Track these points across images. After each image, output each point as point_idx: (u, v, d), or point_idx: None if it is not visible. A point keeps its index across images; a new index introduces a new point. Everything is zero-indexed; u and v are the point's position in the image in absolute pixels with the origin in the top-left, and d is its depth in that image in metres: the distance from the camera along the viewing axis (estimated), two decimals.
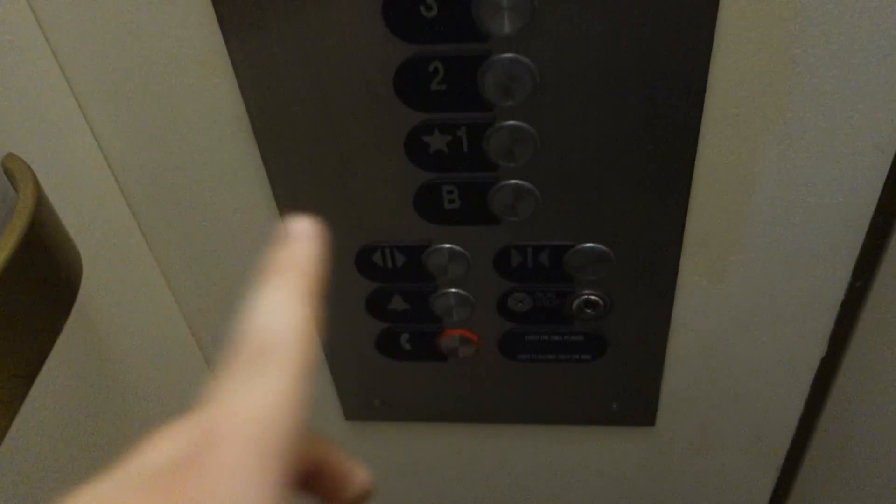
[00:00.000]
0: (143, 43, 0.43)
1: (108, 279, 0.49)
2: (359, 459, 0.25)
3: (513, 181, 0.47)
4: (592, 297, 0.53)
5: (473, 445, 0.69)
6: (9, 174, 0.38)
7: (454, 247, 0.51)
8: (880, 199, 0.46)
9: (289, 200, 0.50)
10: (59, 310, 0.37)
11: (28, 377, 0.33)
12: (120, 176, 0.50)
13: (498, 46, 0.40)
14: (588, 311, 0.54)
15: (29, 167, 0.38)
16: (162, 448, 0.20)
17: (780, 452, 0.66)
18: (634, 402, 0.62)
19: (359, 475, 0.25)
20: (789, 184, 0.46)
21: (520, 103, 0.42)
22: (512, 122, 0.44)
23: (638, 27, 0.39)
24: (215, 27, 0.42)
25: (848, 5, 0.38)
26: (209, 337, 0.61)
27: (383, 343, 0.59)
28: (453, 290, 0.54)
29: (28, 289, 0.34)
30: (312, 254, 0.24)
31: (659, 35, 0.39)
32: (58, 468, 0.43)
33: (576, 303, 0.54)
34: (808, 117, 0.42)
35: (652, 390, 0.61)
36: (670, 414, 0.63)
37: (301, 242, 0.25)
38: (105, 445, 0.50)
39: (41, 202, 0.37)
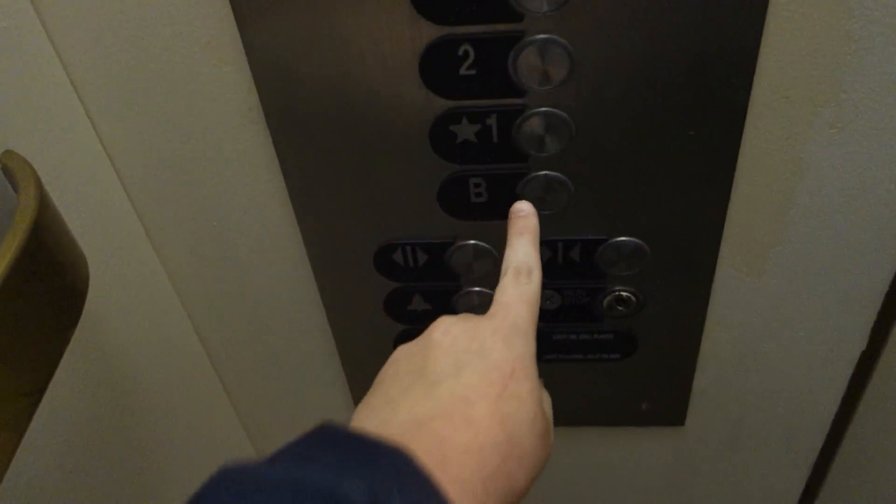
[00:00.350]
0: (147, 30, 0.40)
1: (113, 284, 0.46)
2: None
3: (544, 172, 0.44)
4: (624, 294, 0.51)
5: None
6: (8, 173, 0.35)
7: (480, 243, 0.48)
8: None
9: (303, 197, 0.47)
10: (67, 319, 0.34)
11: (35, 395, 0.30)
12: (123, 172, 0.47)
13: (532, 27, 0.38)
14: (619, 308, 0.52)
15: (30, 165, 0.35)
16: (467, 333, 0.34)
17: (813, 451, 0.64)
18: (664, 402, 0.59)
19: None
20: (838, 170, 0.43)
21: (555, 88, 0.40)
22: (545, 109, 0.41)
23: (683, 4, 0.36)
24: (227, 10, 0.39)
25: None
26: (217, 340, 0.58)
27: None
28: (477, 289, 0.51)
29: (33, 298, 0.31)
30: (536, 223, 0.38)
31: (706, 13, 0.37)
32: (67, 487, 0.40)
33: (607, 300, 0.51)
34: (862, 99, 0.40)
35: (683, 389, 0.58)
36: (700, 413, 0.61)
37: (530, 216, 0.38)
38: (115, 459, 0.47)
39: (44, 203, 0.34)
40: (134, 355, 0.49)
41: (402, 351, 0.37)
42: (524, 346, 0.34)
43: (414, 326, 0.54)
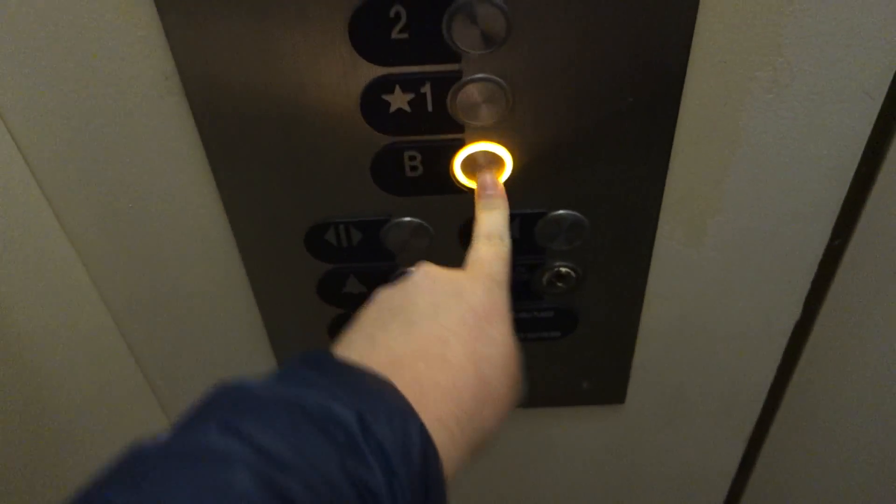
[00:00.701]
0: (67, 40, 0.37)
1: (23, 272, 0.43)
2: None
3: (482, 142, 0.42)
4: (563, 269, 0.50)
5: None
6: None
7: (416, 220, 0.46)
8: (865, 150, 0.44)
9: (229, 175, 0.44)
10: None
11: None
12: (30, 154, 0.43)
13: None
14: (559, 284, 0.51)
15: None
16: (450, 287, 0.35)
17: (750, 423, 0.64)
18: (605, 380, 0.59)
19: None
20: (775, 136, 0.43)
21: (490, 53, 0.38)
22: (482, 76, 0.39)
23: None
24: None
25: None
26: (138, 329, 0.55)
27: (337, 331, 0.53)
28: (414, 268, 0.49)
29: None
30: (504, 198, 0.41)
31: None
32: None
33: (546, 276, 0.50)
34: (798, 62, 0.39)
35: (623, 366, 0.58)
36: (640, 390, 0.60)
37: (497, 192, 0.41)
38: (27, 452, 0.43)
39: None
40: (46, 346, 0.45)
41: (383, 291, 0.37)
42: (500, 295, 0.36)
43: (349, 311, 0.52)
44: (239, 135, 0.42)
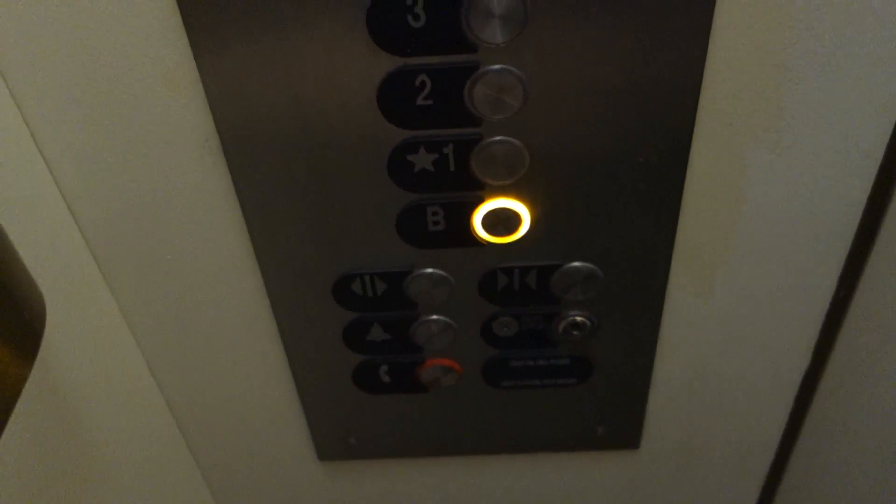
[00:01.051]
0: (101, 61, 0.40)
1: (67, 322, 0.45)
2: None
3: (500, 200, 0.45)
4: (579, 319, 0.52)
5: (454, 479, 0.66)
6: None
7: (437, 271, 0.49)
8: (867, 205, 0.46)
9: (261, 228, 0.47)
10: (23, 358, 0.33)
11: None
12: (77, 209, 0.46)
13: (487, 58, 0.39)
14: (574, 332, 0.53)
15: None
16: None
17: (763, 471, 0.65)
18: (619, 426, 0.60)
19: None
20: (778, 194, 0.45)
21: (510, 117, 0.41)
22: (501, 138, 0.42)
23: (630, 37, 0.38)
24: (184, 41, 0.39)
25: (838, 12, 0.38)
26: (172, 379, 0.57)
27: (361, 376, 0.56)
28: (435, 317, 0.52)
29: None
30: None
31: (652, 45, 0.38)
32: None
33: (562, 325, 0.52)
34: (799, 125, 0.42)
35: (637, 412, 0.59)
36: (654, 435, 0.62)
37: None
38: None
39: (1, 240, 0.33)
40: (88, 397, 0.48)
41: None
42: None
43: (372, 357, 0.54)
44: (272, 192, 0.45)
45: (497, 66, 0.39)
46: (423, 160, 0.43)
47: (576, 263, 0.48)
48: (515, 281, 0.49)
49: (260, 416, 0.60)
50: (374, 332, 0.53)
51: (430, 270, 0.49)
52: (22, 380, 0.32)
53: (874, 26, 0.38)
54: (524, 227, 0.46)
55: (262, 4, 0.37)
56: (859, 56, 0.39)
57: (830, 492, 0.66)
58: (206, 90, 0.41)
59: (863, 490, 0.64)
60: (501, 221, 0.46)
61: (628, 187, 0.44)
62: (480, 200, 0.45)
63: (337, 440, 0.62)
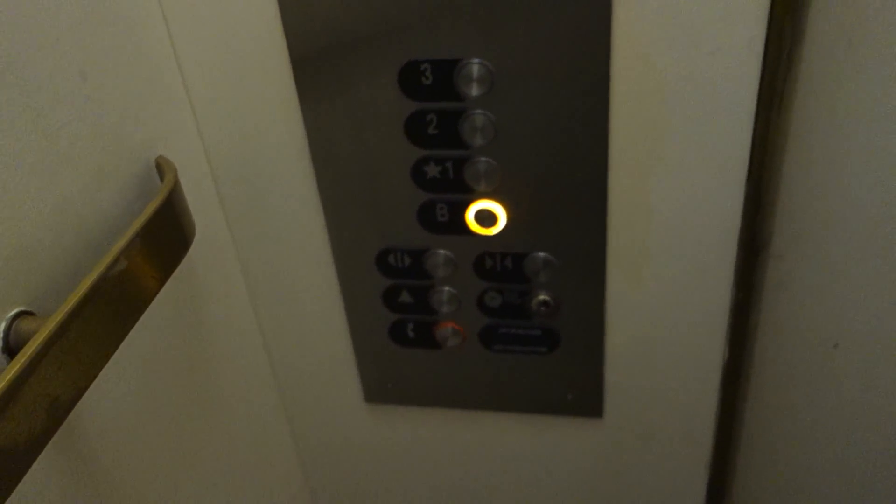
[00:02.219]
0: (247, 124, 0.67)
1: (206, 261, 0.71)
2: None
3: (485, 202, 0.68)
4: (545, 297, 0.73)
5: (459, 431, 0.87)
6: (158, 168, 0.61)
7: (444, 251, 0.72)
8: (743, 220, 0.66)
9: (335, 213, 0.72)
10: (174, 258, 0.58)
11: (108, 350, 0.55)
12: (218, 180, 0.73)
13: (471, 104, 0.63)
14: (543, 308, 0.74)
15: (172, 163, 0.61)
16: None
17: (707, 450, 0.82)
18: (585, 395, 0.80)
19: None
20: (676, 212, 0.66)
21: (488, 144, 0.64)
22: (483, 159, 0.65)
23: (560, 100, 0.61)
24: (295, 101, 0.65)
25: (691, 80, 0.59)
26: (268, 323, 0.82)
27: (395, 332, 0.79)
28: (446, 287, 0.75)
29: (163, 233, 0.56)
30: None
31: (569, 106, 0.61)
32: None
33: (534, 301, 0.74)
34: (681, 156, 0.63)
35: (597, 384, 0.79)
36: (616, 407, 0.81)
37: None
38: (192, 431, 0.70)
39: (177, 184, 0.59)
40: (214, 314, 0.73)
41: None
42: None
43: (403, 316, 0.77)
44: (341, 192, 0.70)
45: (478, 111, 0.63)
46: (432, 170, 0.67)
47: (540, 253, 0.70)
48: (497, 263, 0.72)
49: (322, 362, 0.84)
50: (404, 295, 0.76)
51: (440, 251, 0.72)
52: (168, 274, 0.58)
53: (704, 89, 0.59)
54: (502, 223, 0.69)
55: (336, 73, 0.63)
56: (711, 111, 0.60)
57: (780, 471, 0.82)
58: (306, 126, 0.67)
59: (817, 459, 0.80)
60: (486, 217, 0.69)
61: (571, 199, 0.66)
62: (471, 201, 0.68)
63: (379, 385, 0.84)
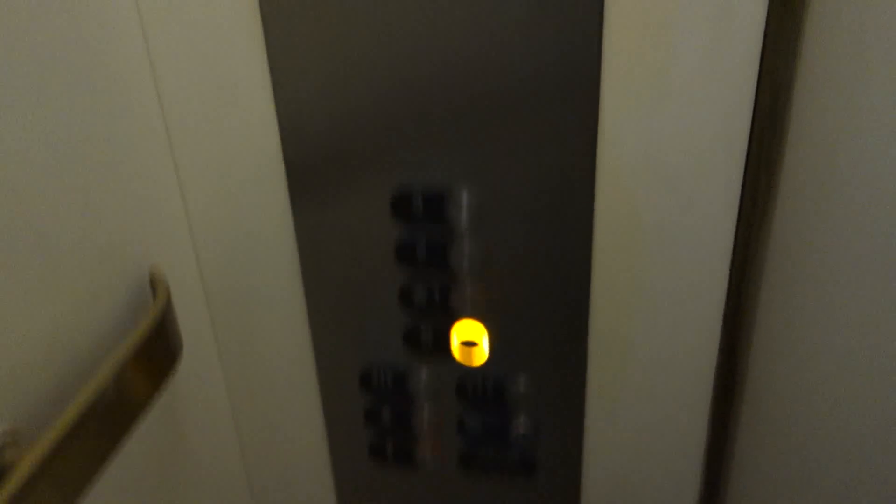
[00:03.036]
0: (235, 223, 0.69)
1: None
2: None
3: (468, 325, 0.70)
4: (524, 424, 0.73)
5: None
6: (152, 281, 0.62)
7: (427, 374, 0.73)
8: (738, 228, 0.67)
9: (321, 330, 0.73)
10: (163, 373, 0.58)
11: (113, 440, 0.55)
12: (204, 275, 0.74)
13: (458, 230, 0.65)
14: (522, 437, 0.74)
15: (165, 281, 0.62)
16: None
17: None
18: None
19: None
20: (655, 349, 0.67)
21: (473, 267, 0.66)
22: (469, 285, 0.67)
23: (545, 232, 0.64)
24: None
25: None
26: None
27: (374, 446, 0.79)
28: (426, 408, 0.75)
29: (154, 351, 0.56)
30: None
31: (554, 238, 0.64)
32: None
33: (513, 427, 0.74)
34: (659, 294, 0.65)
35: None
36: None
37: None
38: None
39: (169, 303, 0.60)
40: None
41: None
42: None
43: (382, 436, 0.77)
44: (330, 286, 0.71)
45: (465, 236, 0.65)
46: (419, 295, 0.68)
47: (521, 381, 0.71)
48: (479, 388, 0.72)
49: (299, 479, 0.83)
50: (385, 414, 0.76)
51: (423, 373, 0.73)
52: (159, 390, 0.58)
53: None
54: (485, 351, 0.70)
55: (330, 192, 0.66)
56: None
57: None
58: (297, 235, 0.69)
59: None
60: (470, 346, 0.70)
61: (555, 328, 0.68)
62: (454, 324, 0.70)
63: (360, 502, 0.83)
